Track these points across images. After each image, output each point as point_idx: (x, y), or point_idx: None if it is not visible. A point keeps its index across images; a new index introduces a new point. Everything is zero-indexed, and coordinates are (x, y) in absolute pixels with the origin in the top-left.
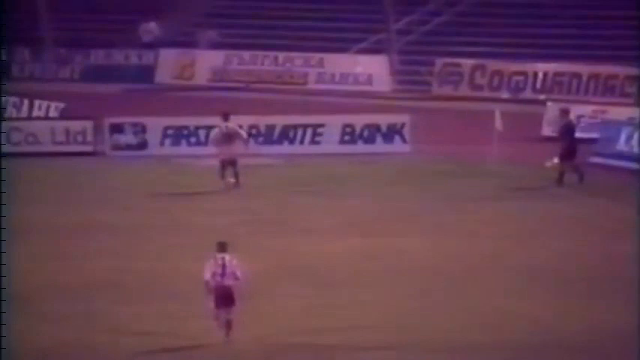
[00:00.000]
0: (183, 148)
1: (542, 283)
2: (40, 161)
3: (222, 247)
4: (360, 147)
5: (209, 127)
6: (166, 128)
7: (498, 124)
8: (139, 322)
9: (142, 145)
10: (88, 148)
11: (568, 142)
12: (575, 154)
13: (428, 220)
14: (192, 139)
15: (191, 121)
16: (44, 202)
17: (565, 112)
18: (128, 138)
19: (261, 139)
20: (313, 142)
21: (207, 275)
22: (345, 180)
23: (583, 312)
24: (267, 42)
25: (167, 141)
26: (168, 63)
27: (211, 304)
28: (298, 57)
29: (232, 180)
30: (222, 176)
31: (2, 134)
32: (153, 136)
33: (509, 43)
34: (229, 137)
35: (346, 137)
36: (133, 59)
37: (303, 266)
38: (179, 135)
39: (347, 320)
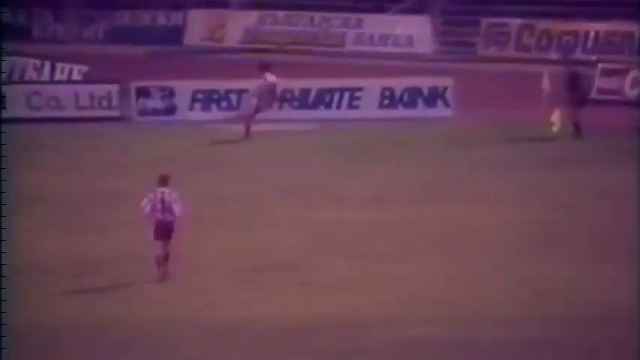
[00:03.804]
0: (214, 113)
1: (592, 255)
2: (63, 126)
3: (162, 181)
4: (401, 112)
5: (240, 91)
6: (196, 92)
7: (546, 85)
8: (159, 297)
9: (170, 110)
10: (114, 113)
11: (578, 90)
12: (585, 102)
13: (472, 188)
14: (223, 104)
15: (222, 85)
16: (66, 170)
17: (567, 62)
18: (155, 102)
19: (295, 103)
20: (351, 106)
21: (148, 208)
22: (384, 146)
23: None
24: (302, 1)
25: (196, 105)
26: (197, 24)
27: (150, 236)
28: (335, 17)
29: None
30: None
31: (22, 98)
32: (181, 101)
33: (559, 1)
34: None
35: (386, 101)
36: (161, 20)
37: (339, 236)
38: (209, 99)
39: (383, 294)
